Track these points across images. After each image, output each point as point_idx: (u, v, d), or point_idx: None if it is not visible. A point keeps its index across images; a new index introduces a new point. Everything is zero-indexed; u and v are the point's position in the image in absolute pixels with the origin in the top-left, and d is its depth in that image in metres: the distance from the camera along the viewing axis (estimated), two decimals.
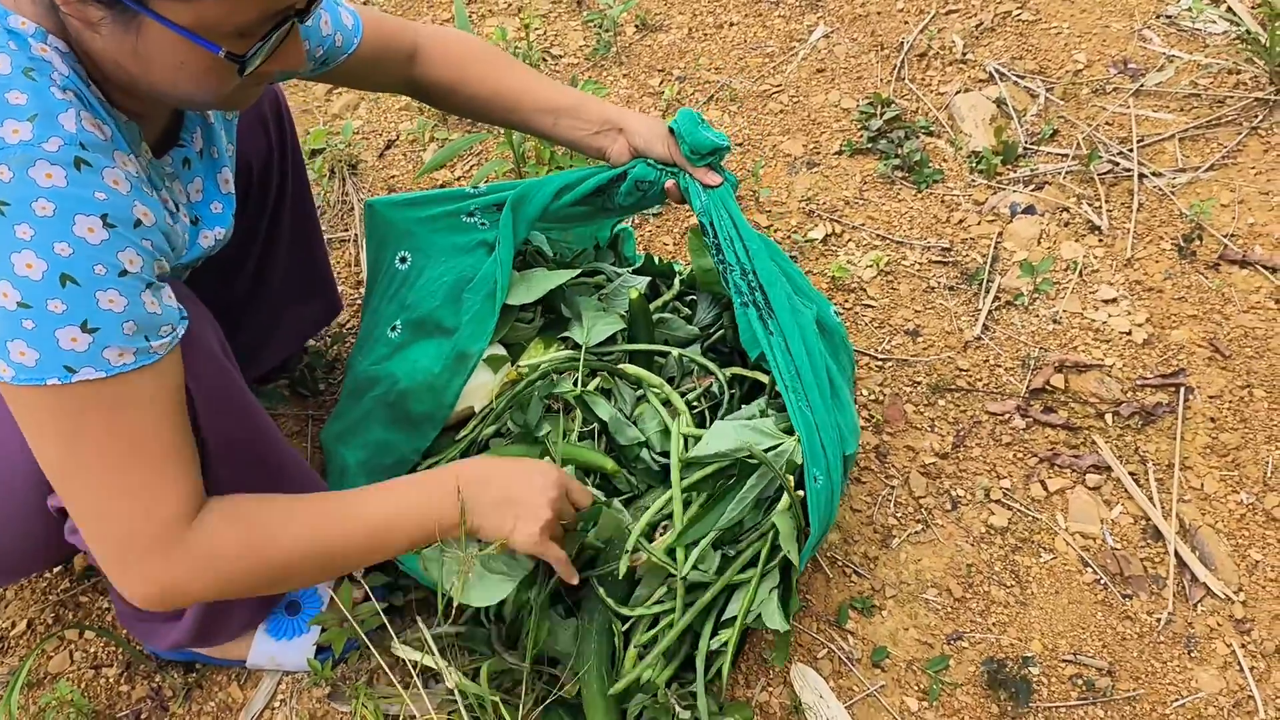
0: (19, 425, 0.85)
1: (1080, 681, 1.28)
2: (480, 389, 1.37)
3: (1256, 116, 2.03)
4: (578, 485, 1.12)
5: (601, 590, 1.20)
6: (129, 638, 1.33)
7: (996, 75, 2.20)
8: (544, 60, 2.38)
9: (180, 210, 1.00)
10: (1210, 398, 1.56)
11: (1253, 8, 2.28)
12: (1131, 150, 1.99)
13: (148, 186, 0.87)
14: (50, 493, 1.00)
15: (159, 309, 0.85)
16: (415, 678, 1.19)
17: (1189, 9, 2.32)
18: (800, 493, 1.16)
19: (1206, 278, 1.74)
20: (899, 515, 1.47)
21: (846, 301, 1.78)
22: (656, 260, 1.58)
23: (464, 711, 1.15)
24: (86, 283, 0.79)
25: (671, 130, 1.20)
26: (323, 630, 1.28)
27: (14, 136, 0.77)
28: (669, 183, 1.24)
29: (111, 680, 1.32)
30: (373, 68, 1.25)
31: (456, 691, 1.15)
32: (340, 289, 1.73)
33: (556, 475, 1.08)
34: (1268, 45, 2.07)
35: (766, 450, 1.18)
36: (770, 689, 1.29)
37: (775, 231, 1.92)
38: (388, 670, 1.18)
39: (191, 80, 0.84)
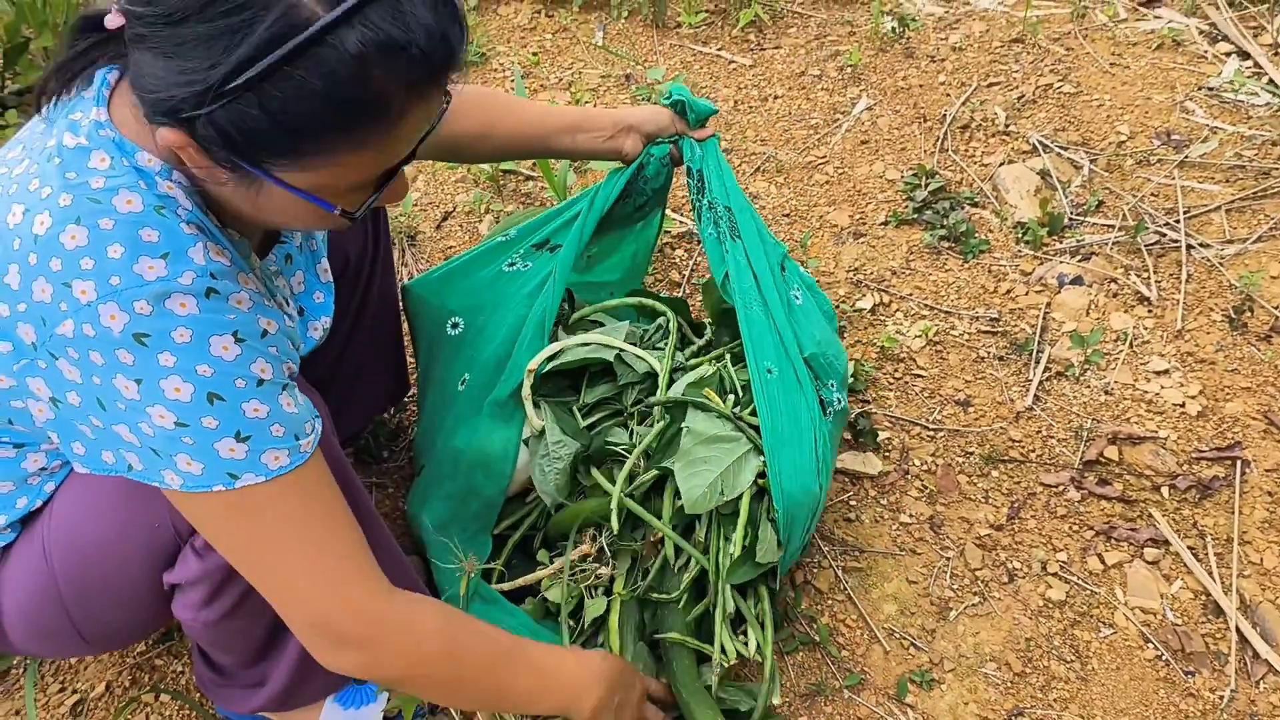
0: (195, 527, 0.92)
1: None
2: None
3: None
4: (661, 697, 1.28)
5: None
6: (203, 701, 1.37)
7: (1040, 147, 2.24)
8: None
9: (289, 305, 1.07)
10: (1267, 471, 1.56)
11: None
12: (1178, 221, 2.01)
13: (266, 299, 0.93)
14: (167, 568, 1.05)
15: (295, 409, 0.91)
16: None
17: (1230, 81, 2.35)
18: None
19: (1259, 349, 1.75)
20: (955, 587, 1.48)
21: (896, 372, 1.81)
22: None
23: None
24: (231, 397, 0.85)
25: (671, 104, 1.42)
26: (389, 699, 1.31)
27: (150, 273, 0.82)
28: (671, 147, 1.44)
29: None
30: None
31: None
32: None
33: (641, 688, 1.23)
34: None
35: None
36: None
37: None
38: None
39: (303, 223, 0.92)
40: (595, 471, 1.39)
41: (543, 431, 1.40)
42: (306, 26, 0.74)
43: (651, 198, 1.54)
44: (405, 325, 1.62)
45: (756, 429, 1.30)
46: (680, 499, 1.30)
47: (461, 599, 1.27)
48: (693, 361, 1.50)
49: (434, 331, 1.55)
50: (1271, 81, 2.36)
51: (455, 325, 1.53)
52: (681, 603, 1.32)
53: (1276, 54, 2.46)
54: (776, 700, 1.26)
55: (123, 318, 0.81)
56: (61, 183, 0.84)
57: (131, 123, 0.87)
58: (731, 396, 1.40)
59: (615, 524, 1.30)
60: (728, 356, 1.49)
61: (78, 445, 0.91)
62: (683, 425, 1.33)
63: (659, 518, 1.33)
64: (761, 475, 1.31)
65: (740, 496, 1.28)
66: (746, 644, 1.27)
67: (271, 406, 0.87)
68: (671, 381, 1.43)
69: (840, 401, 1.40)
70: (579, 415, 1.44)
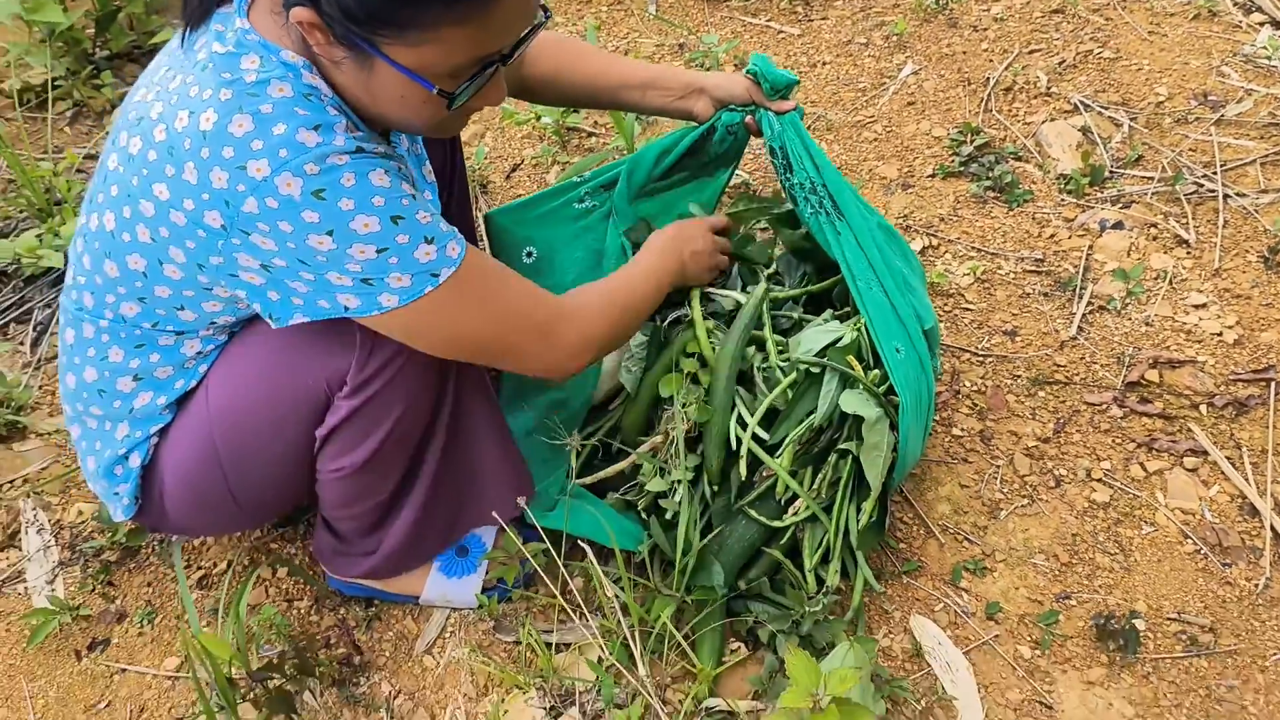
0: (411, 343, 1.09)
1: (1184, 637, 1.39)
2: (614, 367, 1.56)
3: None
4: (718, 223, 1.53)
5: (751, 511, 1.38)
6: (314, 574, 1.50)
7: (1081, 106, 2.35)
8: None
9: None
10: None
11: None
12: (1215, 173, 2.11)
13: (394, 158, 1.07)
14: (315, 426, 1.18)
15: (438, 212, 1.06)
16: (577, 610, 1.34)
17: (1264, 47, 2.45)
18: (876, 372, 1.36)
19: None
20: (1005, 491, 1.59)
21: (946, 305, 1.92)
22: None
23: (631, 636, 1.30)
24: (406, 213, 0.99)
25: (750, 74, 1.41)
26: (488, 571, 1.44)
27: (310, 140, 0.95)
28: (748, 118, 1.46)
29: (303, 611, 1.49)
30: None
31: (620, 618, 1.30)
32: None
33: (704, 225, 1.49)
34: None
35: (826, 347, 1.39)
36: (891, 635, 1.42)
37: None
38: (561, 593, 1.34)
39: (410, 110, 1.03)
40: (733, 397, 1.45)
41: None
42: None
43: (716, 160, 1.63)
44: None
45: (892, 406, 1.36)
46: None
47: (568, 477, 1.39)
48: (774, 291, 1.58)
49: (511, 258, 1.67)
50: None
51: (530, 254, 1.66)
52: (785, 536, 1.43)
53: None
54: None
55: (298, 182, 0.94)
56: (219, 82, 0.97)
57: (271, 28, 1.00)
58: (875, 372, 1.40)
59: (743, 466, 1.39)
60: (863, 326, 1.43)
61: (295, 299, 1.04)
62: (831, 397, 1.37)
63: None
64: (894, 448, 1.37)
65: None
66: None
67: (431, 213, 1.02)
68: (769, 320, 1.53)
69: (939, 367, 1.47)
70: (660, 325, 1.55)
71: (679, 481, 1.44)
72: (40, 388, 1.86)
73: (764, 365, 1.47)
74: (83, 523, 1.63)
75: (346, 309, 1.02)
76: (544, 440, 1.55)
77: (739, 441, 1.39)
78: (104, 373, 1.17)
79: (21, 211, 2.20)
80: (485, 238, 1.73)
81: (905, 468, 1.38)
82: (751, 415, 1.40)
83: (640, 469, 1.46)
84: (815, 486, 1.40)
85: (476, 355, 1.17)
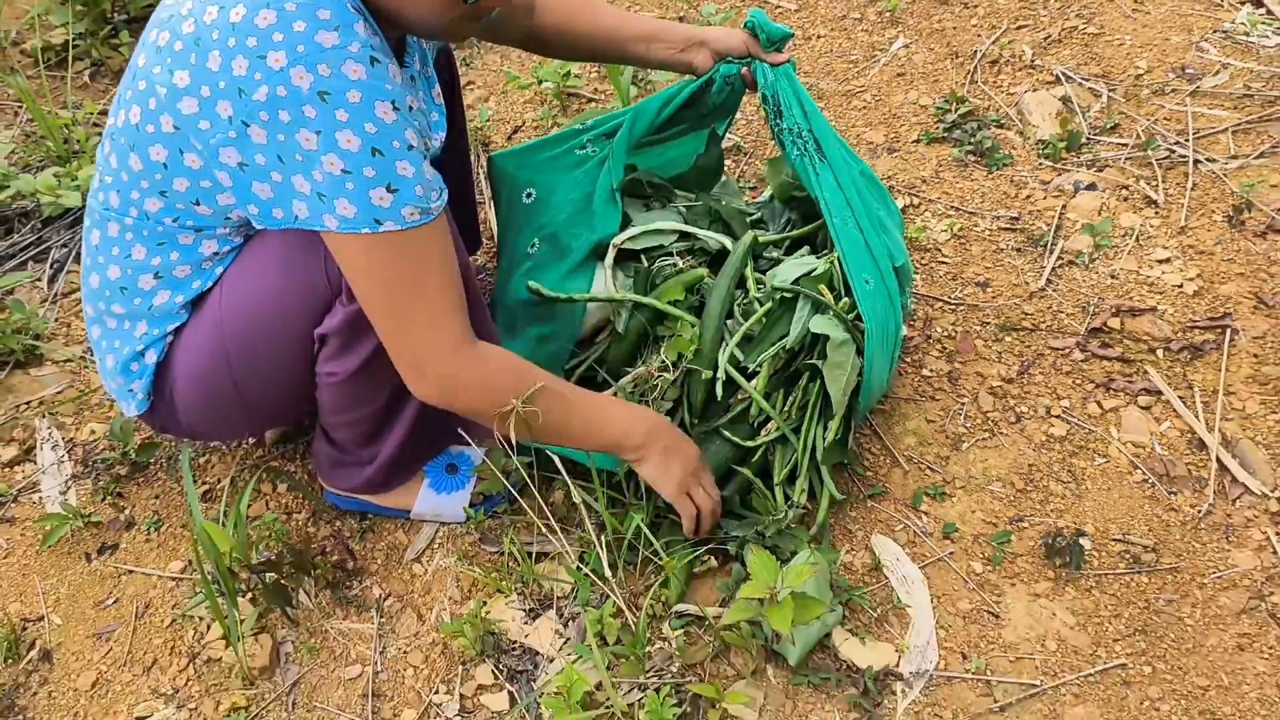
0: (341, 268, 1.14)
1: (1128, 556, 1.47)
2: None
3: None
4: (709, 479, 1.43)
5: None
6: (313, 484, 1.59)
7: (1062, 78, 2.43)
8: None
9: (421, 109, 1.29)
10: (1254, 338, 1.74)
11: None
12: (1188, 140, 2.19)
13: (406, 86, 1.15)
14: (316, 326, 1.27)
15: (431, 176, 1.13)
16: (557, 526, 1.43)
17: (1243, 24, 2.52)
18: (845, 300, 1.45)
19: (1254, 244, 1.93)
20: (968, 426, 1.68)
21: (923, 259, 2.01)
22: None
23: (600, 544, 1.39)
24: (388, 154, 1.07)
25: (747, 27, 1.50)
26: (476, 485, 1.53)
27: (328, 42, 1.04)
28: (744, 70, 1.55)
29: (301, 523, 1.59)
30: (507, 22, 1.53)
31: (594, 531, 1.39)
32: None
33: (698, 465, 1.40)
34: None
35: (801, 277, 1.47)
36: (854, 553, 1.50)
37: None
38: (542, 510, 1.43)
39: (426, 6, 1.12)
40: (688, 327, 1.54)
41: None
42: None
43: (714, 112, 1.72)
44: (486, 192, 1.84)
45: (859, 332, 1.45)
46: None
47: None
48: (771, 237, 1.67)
49: (511, 198, 1.77)
50: None
51: (529, 195, 1.75)
52: (757, 454, 1.51)
53: None
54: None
55: (309, 78, 1.03)
56: None
57: None
58: (845, 301, 1.49)
59: (719, 388, 1.48)
60: (837, 260, 1.53)
61: (252, 207, 1.14)
62: (803, 322, 1.46)
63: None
64: (860, 373, 1.46)
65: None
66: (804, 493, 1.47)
67: (416, 169, 1.09)
68: (756, 257, 1.61)
69: (912, 309, 1.56)
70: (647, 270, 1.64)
71: (653, 401, 1.53)
72: (56, 319, 1.96)
73: (744, 300, 1.56)
74: (95, 440, 1.72)
75: (296, 218, 1.11)
76: None
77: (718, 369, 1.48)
78: (127, 270, 1.26)
79: (41, 160, 2.30)
80: (488, 179, 1.82)
81: (870, 392, 1.47)
82: (730, 340, 1.48)
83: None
84: (786, 409, 1.49)
85: (373, 319, 1.18)
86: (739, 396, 1.50)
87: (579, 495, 1.36)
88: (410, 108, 1.11)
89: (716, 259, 1.66)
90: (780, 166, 1.73)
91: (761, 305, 1.51)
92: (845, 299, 1.48)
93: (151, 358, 1.31)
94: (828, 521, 1.50)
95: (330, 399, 1.36)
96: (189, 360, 1.31)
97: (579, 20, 1.57)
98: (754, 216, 1.77)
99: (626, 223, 1.68)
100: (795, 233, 1.71)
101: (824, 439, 1.45)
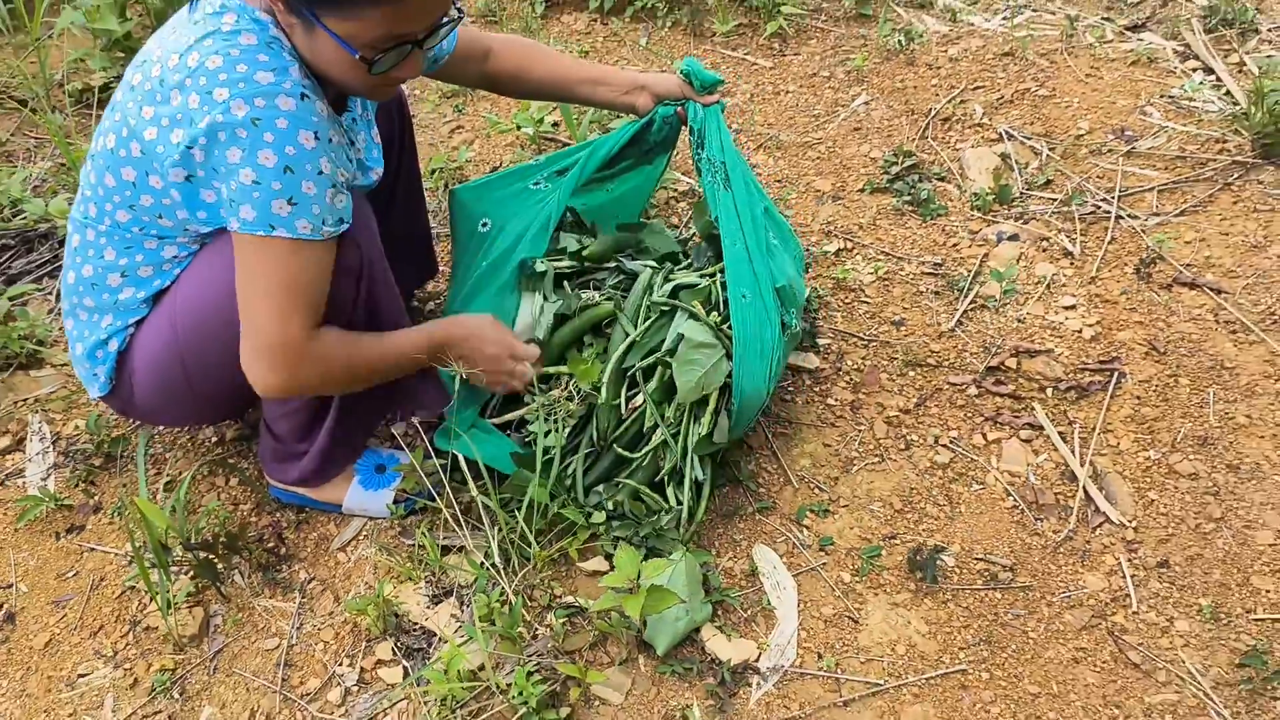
0: (235, 265, 1.33)
1: (986, 574, 1.58)
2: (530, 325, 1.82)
3: (1233, 175, 2.34)
4: (520, 346, 1.64)
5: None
6: (261, 480, 1.77)
7: (1006, 136, 2.57)
8: None
9: (353, 148, 1.49)
10: (1140, 382, 1.85)
11: (1248, 92, 2.59)
12: (1114, 197, 2.31)
13: (332, 122, 1.35)
14: None
15: (334, 204, 1.32)
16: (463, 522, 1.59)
17: (1189, 91, 2.64)
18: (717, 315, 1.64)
19: (1157, 295, 2.04)
20: (860, 451, 1.80)
21: (846, 299, 2.15)
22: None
23: (493, 541, 1.54)
24: (299, 173, 1.26)
25: (682, 73, 1.72)
26: (400, 482, 1.70)
27: (265, 79, 1.25)
28: (679, 109, 1.75)
29: (245, 514, 1.76)
30: (462, 65, 1.74)
31: (490, 531, 1.55)
32: (441, 270, 2.21)
33: (505, 338, 1.62)
34: (1250, 116, 2.38)
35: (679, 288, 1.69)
36: (735, 560, 1.63)
37: None
38: (452, 506, 1.59)
39: (341, 71, 1.31)
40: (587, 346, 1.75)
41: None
42: None
43: (655, 148, 1.92)
44: (445, 223, 2.03)
45: (729, 339, 1.63)
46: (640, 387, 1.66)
47: (453, 416, 1.66)
48: (680, 269, 1.86)
49: (468, 228, 1.95)
50: (1229, 93, 2.65)
51: (485, 225, 1.94)
52: (646, 461, 1.67)
53: (1240, 71, 2.74)
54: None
55: (245, 108, 1.23)
56: (204, 33, 1.28)
57: None
58: (715, 314, 1.72)
59: (605, 393, 1.65)
60: (718, 277, 1.78)
61: (201, 213, 1.36)
62: (676, 329, 1.66)
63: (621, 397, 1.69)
64: (729, 376, 1.64)
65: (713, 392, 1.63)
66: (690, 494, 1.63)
67: (319, 191, 1.29)
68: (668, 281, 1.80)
69: (796, 325, 1.74)
70: (573, 292, 1.82)
71: (557, 423, 1.69)
72: (58, 328, 2.19)
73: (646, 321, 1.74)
74: (77, 435, 1.93)
75: (210, 215, 1.33)
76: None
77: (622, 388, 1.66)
78: (98, 269, 1.47)
79: (65, 187, 2.56)
80: (449, 211, 2.01)
81: (744, 392, 1.60)
82: (614, 351, 1.66)
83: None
84: (668, 416, 1.64)
85: (244, 305, 1.35)
86: (630, 406, 1.66)
87: (475, 492, 1.52)
88: (331, 139, 1.31)
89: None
90: (704, 210, 1.90)
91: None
92: (716, 314, 1.66)
93: (114, 346, 1.52)
94: (709, 527, 1.63)
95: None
96: (146, 350, 1.51)
97: (533, 66, 1.79)
98: (677, 251, 1.94)
99: (557, 250, 1.87)
100: (712, 268, 1.87)
101: (695, 434, 1.60)
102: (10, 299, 2.18)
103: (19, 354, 2.08)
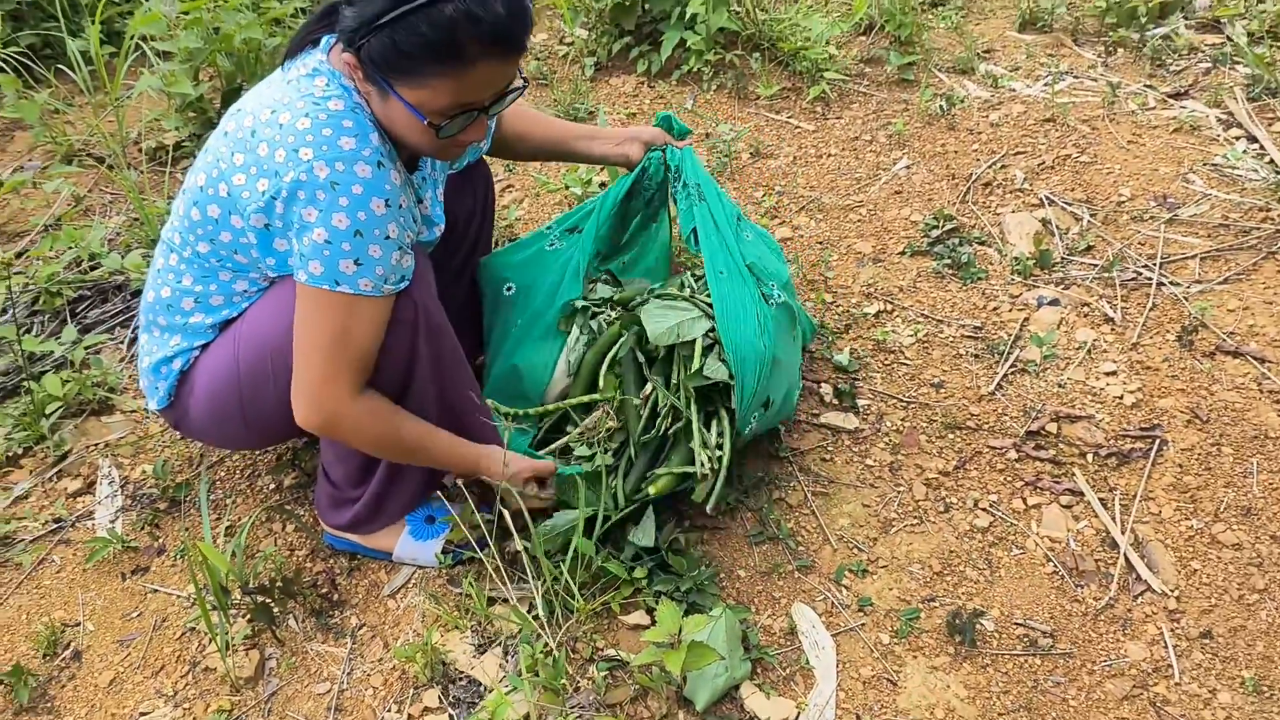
0: (295, 314, 1.42)
1: (1026, 639, 1.59)
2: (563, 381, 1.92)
3: (1276, 244, 2.35)
4: (541, 464, 1.71)
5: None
6: (316, 527, 1.84)
7: (1046, 201, 2.61)
8: None
9: (420, 204, 1.59)
10: (1182, 450, 1.86)
11: None
12: (1155, 264, 2.33)
13: (404, 187, 1.44)
14: None
15: (398, 265, 1.41)
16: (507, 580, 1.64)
17: (1233, 159, 2.67)
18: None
19: (1200, 363, 2.05)
20: (899, 512, 1.82)
21: (886, 360, 2.18)
22: None
23: (537, 593, 1.59)
24: (367, 237, 1.35)
25: (658, 121, 1.93)
26: (449, 532, 1.76)
27: (347, 145, 1.35)
28: (662, 152, 1.90)
29: (300, 559, 1.83)
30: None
31: (534, 583, 1.59)
32: None
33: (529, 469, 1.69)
34: None
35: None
36: (774, 618, 1.66)
37: (836, 306, 2.36)
38: (496, 560, 1.64)
39: (412, 135, 1.41)
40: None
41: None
42: None
43: (657, 191, 2.04)
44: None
45: (709, 306, 1.76)
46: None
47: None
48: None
49: (495, 293, 2.05)
50: (1272, 161, 2.67)
51: (509, 289, 2.03)
52: (665, 449, 1.78)
53: None
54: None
55: (326, 170, 1.33)
56: (296, 94, 1.38)
57: (340, 65, 1.41)
58: (689, 289, 1.89)
59: (607, 388, 1.75)
60: (689, 274, 2.00)
61: (270, 259, 1.47)
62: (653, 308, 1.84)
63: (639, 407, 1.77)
64: (712, 331, 1.77)
65: (694, 341, 1.78)
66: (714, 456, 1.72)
67: (384, 254, 1.37)
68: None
69: (781, 298, 1.85)
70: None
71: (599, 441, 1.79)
72: (129, 377, 2.30)
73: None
74: (144, 479, 2.02)
75: (282, 265, 1.44)
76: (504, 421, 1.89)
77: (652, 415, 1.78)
78: (175, 292, 1.58)
79: (138, 242, 2.70)
80: (480, 280, 2.10)
81: (735, 345, 1.68)
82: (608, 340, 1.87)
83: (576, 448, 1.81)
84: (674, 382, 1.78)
85: (299, 352, 1.45)
86: (643, 395, 1.80)
87: (520, 544, 1.57)
88: (401, 205, 1.40)
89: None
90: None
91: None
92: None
93: (178, 364, 1.62)
94: (754, 589, 1.66)
95: (325, 438, 1.62)
96: (208, 374, 1.61)
97: (534, 129, 1.94)
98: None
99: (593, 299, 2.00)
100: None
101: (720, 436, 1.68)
102: (86, 348, 2.29)
103: (91, 400, 2.19)
